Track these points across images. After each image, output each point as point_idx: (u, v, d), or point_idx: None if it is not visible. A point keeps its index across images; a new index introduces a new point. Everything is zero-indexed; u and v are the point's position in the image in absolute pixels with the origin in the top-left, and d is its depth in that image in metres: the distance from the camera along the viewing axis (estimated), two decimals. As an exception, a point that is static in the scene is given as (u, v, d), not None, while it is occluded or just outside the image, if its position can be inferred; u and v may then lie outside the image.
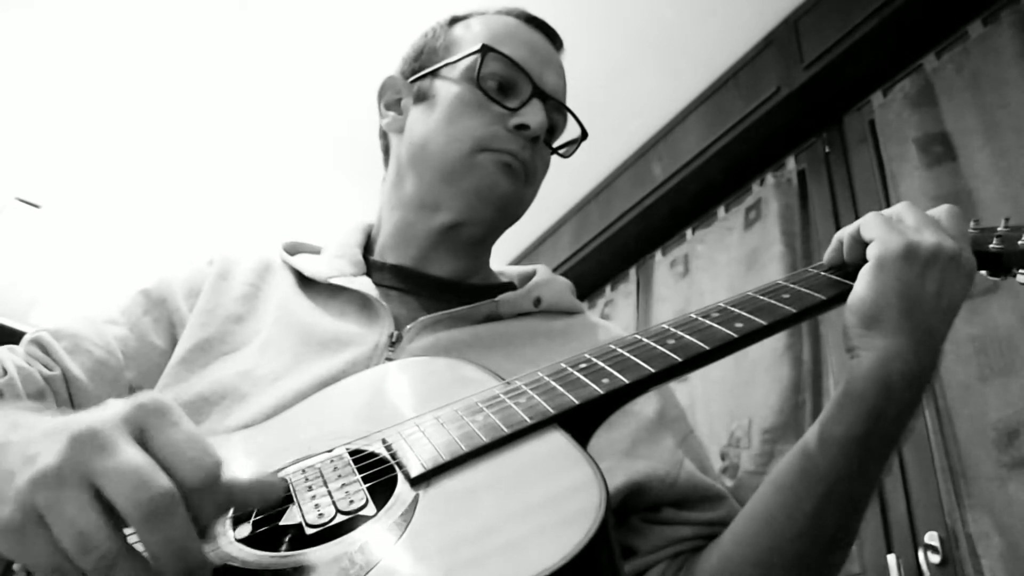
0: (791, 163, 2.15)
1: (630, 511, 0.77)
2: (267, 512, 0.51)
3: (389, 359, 0.76)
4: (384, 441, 0.56)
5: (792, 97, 2.04)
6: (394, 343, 0.79)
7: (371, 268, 0.92)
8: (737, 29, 2.18)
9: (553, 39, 0.95)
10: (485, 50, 0.87)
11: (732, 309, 0.64)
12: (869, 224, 0.65)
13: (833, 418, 0.63)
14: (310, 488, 0.52)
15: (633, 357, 0.59)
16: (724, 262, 2.20)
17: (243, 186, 2.91)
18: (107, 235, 3.06)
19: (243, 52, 2.42)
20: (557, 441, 0.52)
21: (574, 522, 0.43)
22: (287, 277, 0.90)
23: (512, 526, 0.45)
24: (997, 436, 1.36)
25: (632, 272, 2.63)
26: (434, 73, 0.91)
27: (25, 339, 0.79)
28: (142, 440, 0.42)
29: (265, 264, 0.93)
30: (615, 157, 2.62)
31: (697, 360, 0.59)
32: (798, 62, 2.03)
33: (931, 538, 1.39)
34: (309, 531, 0.48)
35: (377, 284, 0.87)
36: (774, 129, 2.13)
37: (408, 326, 0.80)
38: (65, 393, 0.75)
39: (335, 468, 0.54)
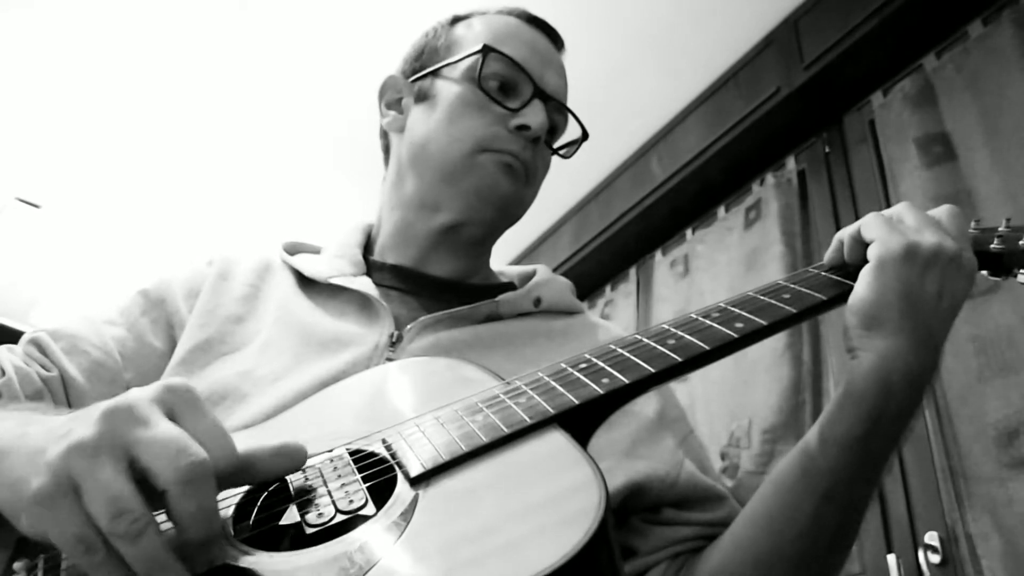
0: (791, 163, 2.15)
1: (630, 511, 0.77)
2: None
3: (389, 359, 0.76)
4: (384, 441, 0.56)
5: (792, 97, 2.04)
6: (394, 343, 0.79)
7: (371, 268, 0.92)
8: (737, 29, 2.18)
9: (554, 39, 0.95)
10: (486, 50, 0.87)
11: (732, 309, 0.64)
12: (870, 224, 0.65)
13: (833, 418, 0.63)
14: (310, 488, 0.52)
15: (633, 357, 0.59)
16: (724, 262, 2.20)
17: (243, 186, 2.91)
18: (107, 235, 3.06)
19: (243, 52, 2.42)
20: (557, 441, 0.52)
21: (574, 522, 0.43)
22: (287, 277, 0.90)
23: (512, 526, 0.45)
24: (997, 436, 1.36)
25: (632, 272, 2.63)
26: (435, 73, 0.91)
27: (23, 339, 0.79)
28: (171, 418, 0.45)
29: (265, 264, 0.93)
30: (615, 157, 2.62)
31: (697, 360, 0.59)
32: (798, 62, 2.03)
33: (931, 538, 1.39)
34: (309, 531, 0.48)
35: (377, 284, 0.86)
36: (774, 129, 2.13)
37: (408, 326, 0.80)
38: (62, 394, 0.75)
39: (335, 468, 0.54)
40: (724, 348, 0.60)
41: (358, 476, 0.52)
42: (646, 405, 0.82)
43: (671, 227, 2.49)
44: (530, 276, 0.94)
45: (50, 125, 2.70)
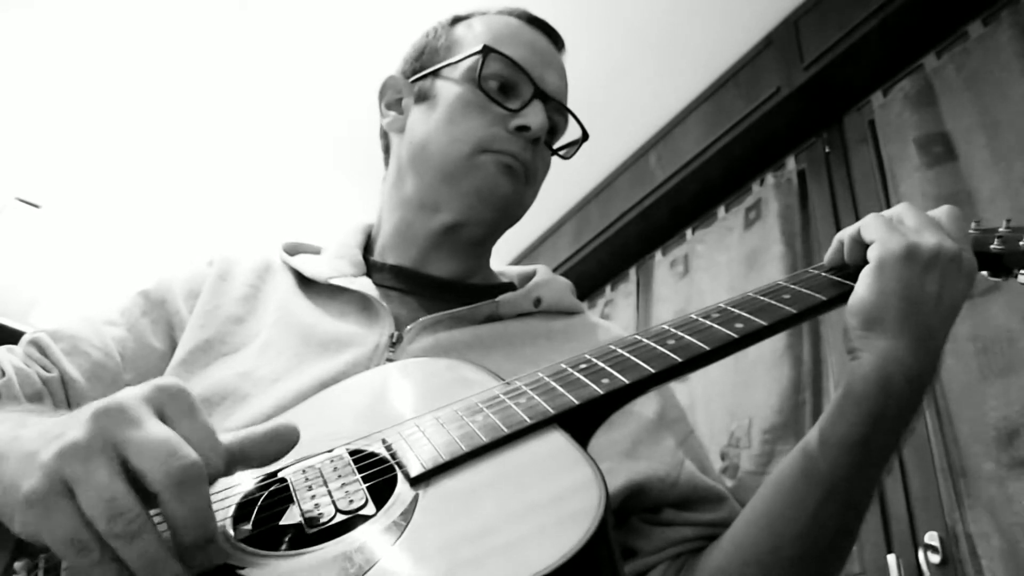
0: (791, 163, 2.15)
1: (631, 512, 0.77)
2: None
3: (389, 359, 0.76)
4: (384, 441, 0.56)
5: (792, 97, 2.04)
6: (394, 344, 0.79)
7: (371, 268, 0.92)
8: (737, 29, 2.18)
9: (555, 40, 0.95)
10: (487, 51, 0.87)
11: (732, 309, 0.64)
12: (870, 225, 0.65)
13: (834, 419, 0.63)
14: (310, 488, 0.52)
15: (633, 357, 0.59)
16: (724, 262, 2.20)
17: (243, 186, 2.91)
18: (107, 235, 3.06)
19: (243, 52, 2.42)
20: (557, 441, 0.52)
21: (574, 522, 0.43)
22: (287, 278, 0.90)
23: (512, 526, 0.45)
24: (997, 436, 1.36)
25: (632, 272, 2.63)
26: (435, 73, 0.91)
27: (23, 340, 0.79)
28: (162, 418, 0.44)
29: (265, 265, 0.93)
30: (615, 157, 2.62)
31: (697, 360, 0.59)
32: (798, 62, 2.03)
33: (931, 538, 1.39)
34: (309, 531, 0.48)
35: (377, 284, 0.87)
36: (774, 129, 2.13)
37: (408, 327, 0.80)
38: (62, 395, 0.75)
39: (335, 468, 0.54)
40: (724, 348, 0.60)
41: (358, 476, 0.52)
42: (646, 406, 0.82)
43: (671, 227, 2.49)
44: (530, 276, 0.94)
45: (50, 125, 2.70)
